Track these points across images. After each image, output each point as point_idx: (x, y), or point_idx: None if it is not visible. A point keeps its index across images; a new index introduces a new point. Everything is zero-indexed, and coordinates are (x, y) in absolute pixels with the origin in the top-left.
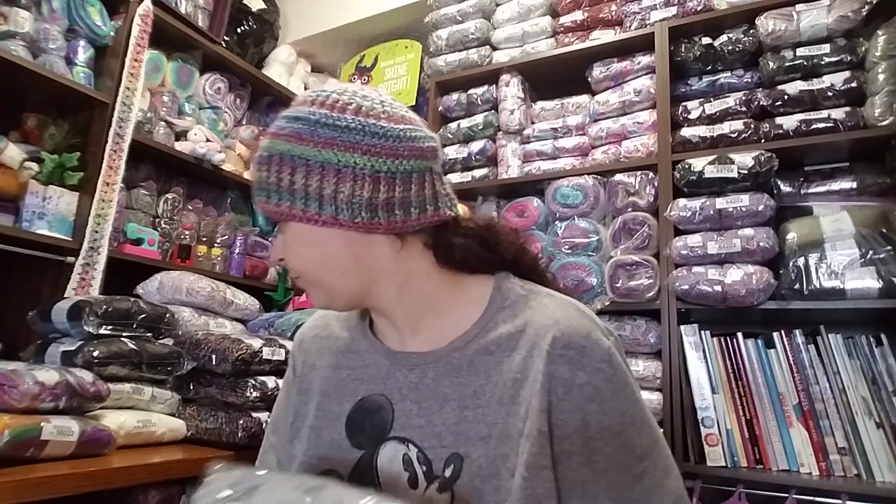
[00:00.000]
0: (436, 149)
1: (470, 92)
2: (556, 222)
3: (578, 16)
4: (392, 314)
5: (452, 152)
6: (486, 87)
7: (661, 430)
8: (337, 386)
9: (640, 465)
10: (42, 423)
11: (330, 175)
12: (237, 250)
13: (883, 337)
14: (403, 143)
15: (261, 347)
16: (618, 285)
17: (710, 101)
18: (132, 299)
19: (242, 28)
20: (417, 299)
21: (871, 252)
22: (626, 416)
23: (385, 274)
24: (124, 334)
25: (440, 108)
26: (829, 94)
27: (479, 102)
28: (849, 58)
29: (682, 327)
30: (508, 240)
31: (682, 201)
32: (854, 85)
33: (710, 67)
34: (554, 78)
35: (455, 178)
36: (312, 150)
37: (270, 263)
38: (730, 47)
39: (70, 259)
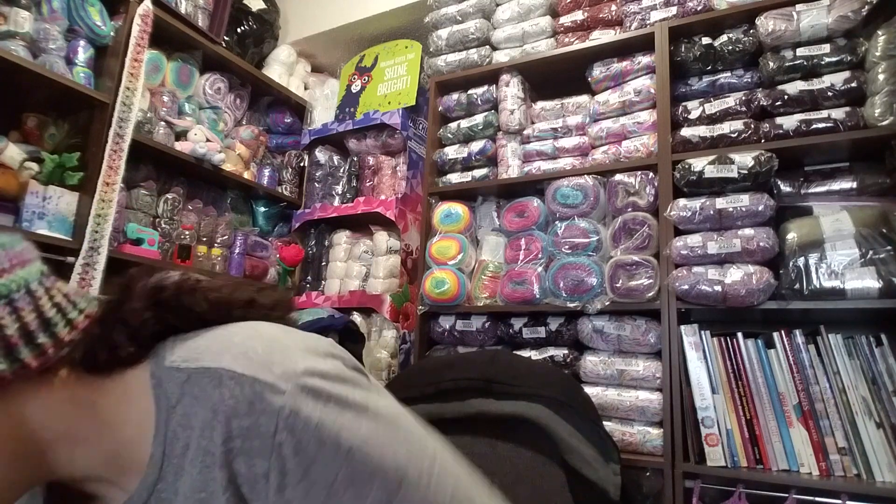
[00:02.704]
0: (32, 245)
1: (470, 92)
2: (556, 222)
3: (578, 16)
4: (87, 472)
5: (452, 152)
6: (486, 87)
7: (663, 429)
8: None
9: None
10: None
11: None
12: (237, 250)
13: (883, 337)
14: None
15: None
16: (618, 285)
17: (710, 101)
18: None
19: (242, 28)
20: (102, 438)
21: (871, 252)
22: (339, 483)
23: (53, 429)
24: None
25: (440, 108)
26: (829, 94)
27: (479, 102)
28: (849, 58)
29: (682, 327)
30: (142, 289)
31: (682, 201)
32: (854, 85)
33: (710, 67)
34: (554, 78)
35: (455, 178)
36: None
37: None
38: (730, 47)
39: (70, 259)
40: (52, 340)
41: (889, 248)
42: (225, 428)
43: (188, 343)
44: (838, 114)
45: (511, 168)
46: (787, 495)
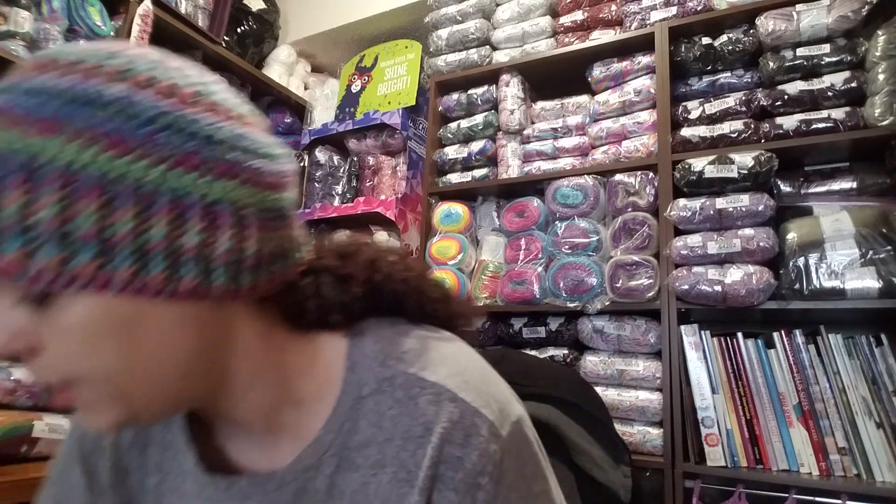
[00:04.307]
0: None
1: (470, 92)
2: (556, 222)
3: (578, 16)
4: (244, 415)
5: (452, 152)
6: (486, 87)
7: (662, 429)
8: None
9: None
10: (34, 421)
11: (194, 216)
12: None
13: (883, 337)
14: (282, 162)
15: None
16: (618, 285)
17: (710, 101)
18: None
19: (242, 28)
20: (276, 387)
21: (871, 252)
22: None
23: (244, 360)
24: None
25: (440, 108)
26: (829, 94)
27: (479, 102)
28: (849, 58)
29: (682, 327)
30: (367, 261)
31: (682, 201)
32: (854, 85)
33: (710, 67)
34: (554, 78)
35: (455, 178)
36: (153, 170)
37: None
38: (730, 47)
39: None
40: (280, 272)
41: (889, 248)
42: (436, 451)
43: (395, 339)
44: (838, 114)
45: (511, 168)
46: (787, 495)
